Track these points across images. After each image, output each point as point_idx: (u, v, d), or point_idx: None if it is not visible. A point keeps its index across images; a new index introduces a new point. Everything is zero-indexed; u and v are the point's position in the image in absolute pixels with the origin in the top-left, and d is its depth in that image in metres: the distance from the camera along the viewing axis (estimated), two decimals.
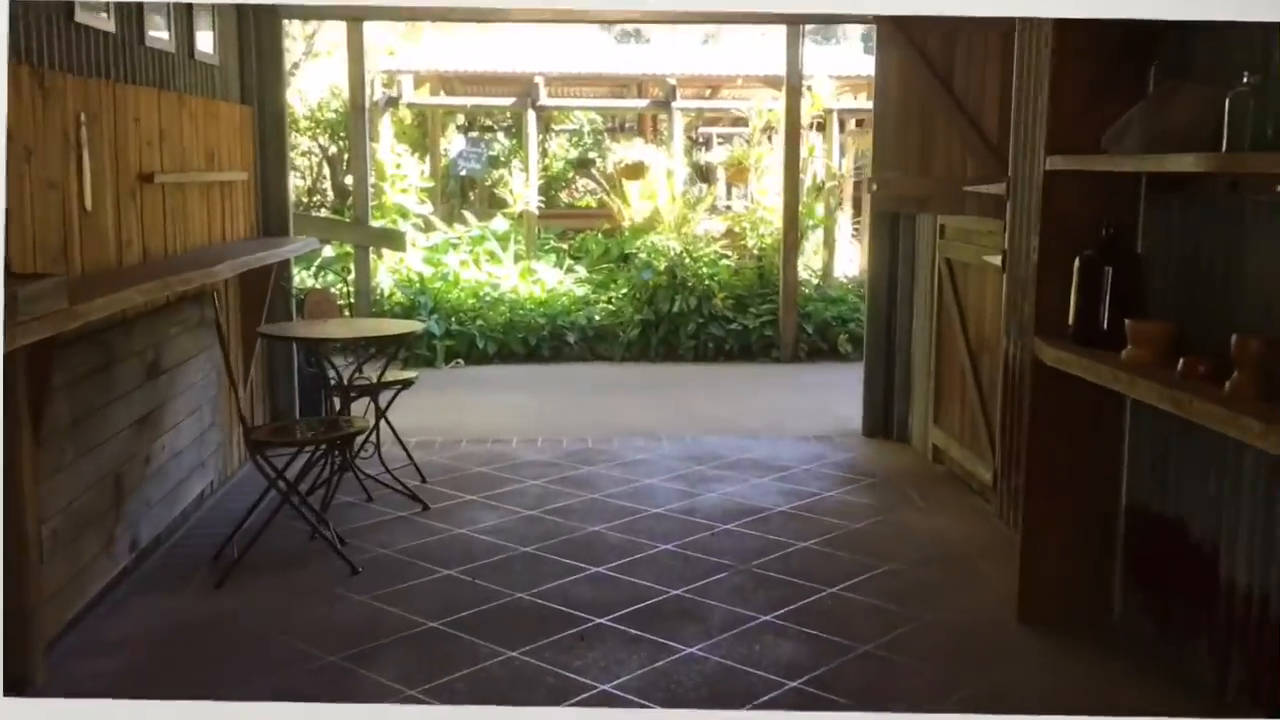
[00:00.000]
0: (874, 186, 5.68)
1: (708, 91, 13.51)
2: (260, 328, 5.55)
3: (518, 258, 10.73)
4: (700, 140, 15.50)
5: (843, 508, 5.30)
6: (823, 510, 5.25)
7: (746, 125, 12.90)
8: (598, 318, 9.91)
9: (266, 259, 5.36)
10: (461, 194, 16.26)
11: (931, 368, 5.98)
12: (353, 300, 9.45)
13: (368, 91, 9.99)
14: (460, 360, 9.31)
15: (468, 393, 8.19)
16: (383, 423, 5.61)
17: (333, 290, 8.90)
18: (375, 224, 10.08)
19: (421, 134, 15.34)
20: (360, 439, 5.27)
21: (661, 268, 9.79)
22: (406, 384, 5.71)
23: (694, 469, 5.97)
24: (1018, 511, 4.19)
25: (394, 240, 9.52)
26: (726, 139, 15.54)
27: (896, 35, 5.74)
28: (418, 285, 9.65)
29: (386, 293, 9.67)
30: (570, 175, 19.32)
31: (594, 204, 15.62)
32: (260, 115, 6.20)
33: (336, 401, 5.40)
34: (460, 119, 18.35)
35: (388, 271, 10.20)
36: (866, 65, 12.83)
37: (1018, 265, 4.51)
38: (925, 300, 6.10)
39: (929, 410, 6.01)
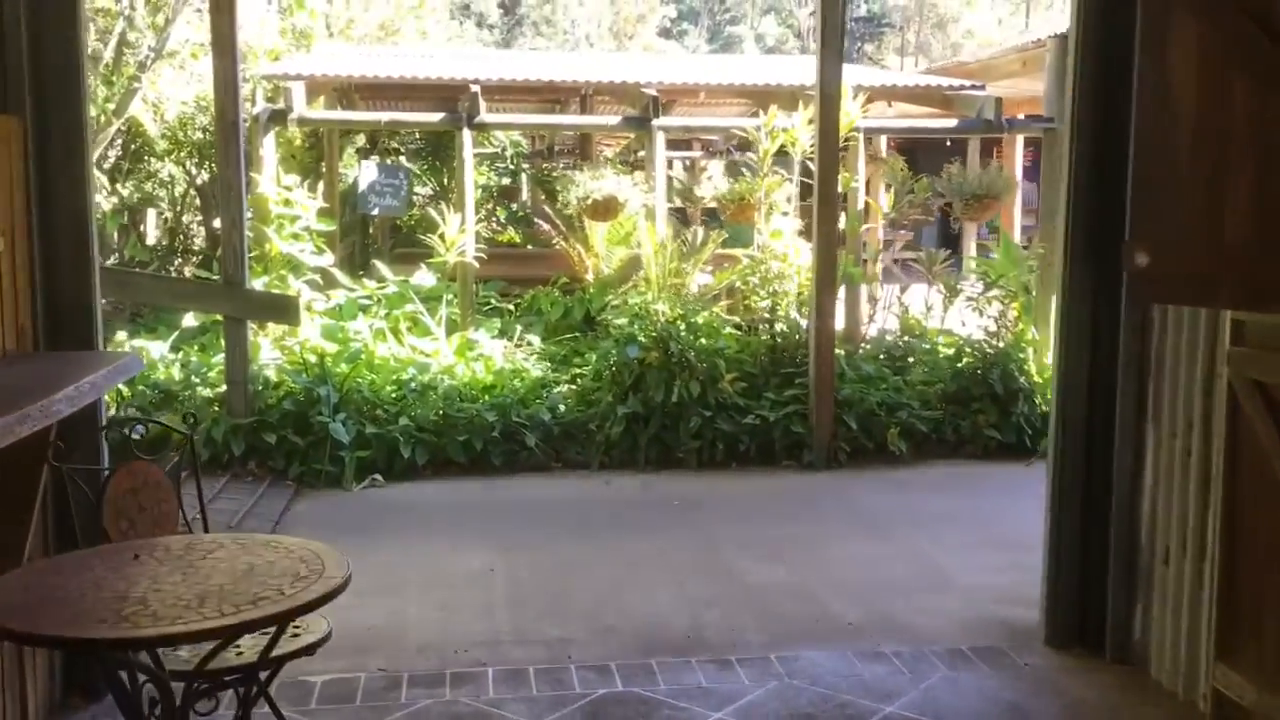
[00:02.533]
0: (1138, 260, 3.29)
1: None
2: None
3: (452, 325, 8.07)
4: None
5: None
6: None
7: (731, 152, 10.56)
8: (563, 407, 7.32)
9: (27, 420, 2.63)
10: (363, 234, 13.57)
11: (1213, 556, 3.55)
12: (220, 401, 6.71)
13: (243, 102, 7.28)
14: (378, 477, 6.63)
15: (394, 543, 5.52)
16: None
17: (158, 469, 6.15)
18: (255, 285, 7.33)
19: (315, 159, 12.55)
20: None
21: (649, 340, 7.25)
22: (307, 651, 3.03)
23: None
24: None
25: (281, 310, 6.80)
26: (691, 166, 13.18)
27: None
28: (316, 368, 6.93)
29: (272, 382, 6.92)
30: (489, 208, 16.71)
31: (531, 244, 13.04)
32: (36, 135, 3.49)
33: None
34: (360, 140, 15.61)
35: (273, 347, 7.45)
36: (874, 76, 10.54)
37: None
38: (1187, 438, 3.69)
39: (1206, 630, 3.58)
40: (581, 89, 10.72)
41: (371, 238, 15.55)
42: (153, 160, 10.03)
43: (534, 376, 7.60)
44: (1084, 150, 4.10)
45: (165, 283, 7.09)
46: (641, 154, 16.48)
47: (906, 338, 8.55)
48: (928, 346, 8.37)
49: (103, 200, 8.74)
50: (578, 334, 8.26)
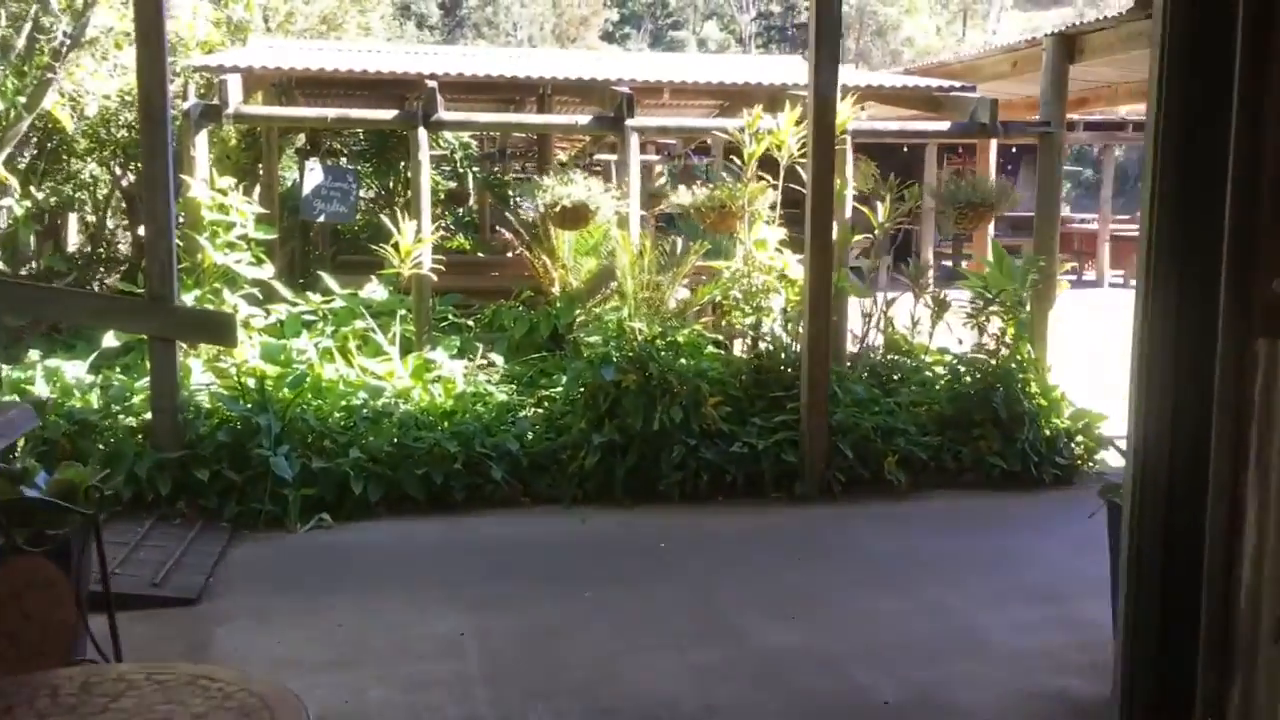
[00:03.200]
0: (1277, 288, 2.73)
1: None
2: None
3: (406, 344, 7.34)
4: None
5: None
6: None
7: (689, 156, 9.97)
8: (531, 434, 6.65)
9: None
10: (303, 242, 12.78)
11: None
12: (145, 426, 5.94)
13: (173, 97, 6.53)
14: (326, 517, 5.90)
15: (347, 601, 4.81)
16: None
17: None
18: (186, 300, 6.57)
19: (252, 160, 11.72)
20: None
21: (625, 360, 6.60)
22: None
23: None
24: None
25: (214, 329, 6.04)
26: (649, 170, 12.60)
27: None
28: (255, 394, 6.18)
29: (204, 409, 6.16)
30: (437, 211, 15.98)
31: (483, 253, 12.35)
32: None
33: None
34: (300, 140, 14.77)
35: (206, 369, 6.68)
36: (858, 77, 9.93)
37: None
38: None
39: None
40: (541, 87, 10.05)
41: (312, 244, 14.73)
42: (73, 160, 9.16)
43: (498, 400, 6.91)
44: (1171, 156, 3.52)
45: (80, 298, 6.28)
46: (598, 157, 15.86)
47: (893, 355, 8.00)
48: (917, 364, 7.84)
49: (14, 204, 7.88)
50: (545, 352, 7.57)
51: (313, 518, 5.88)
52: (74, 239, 11.54)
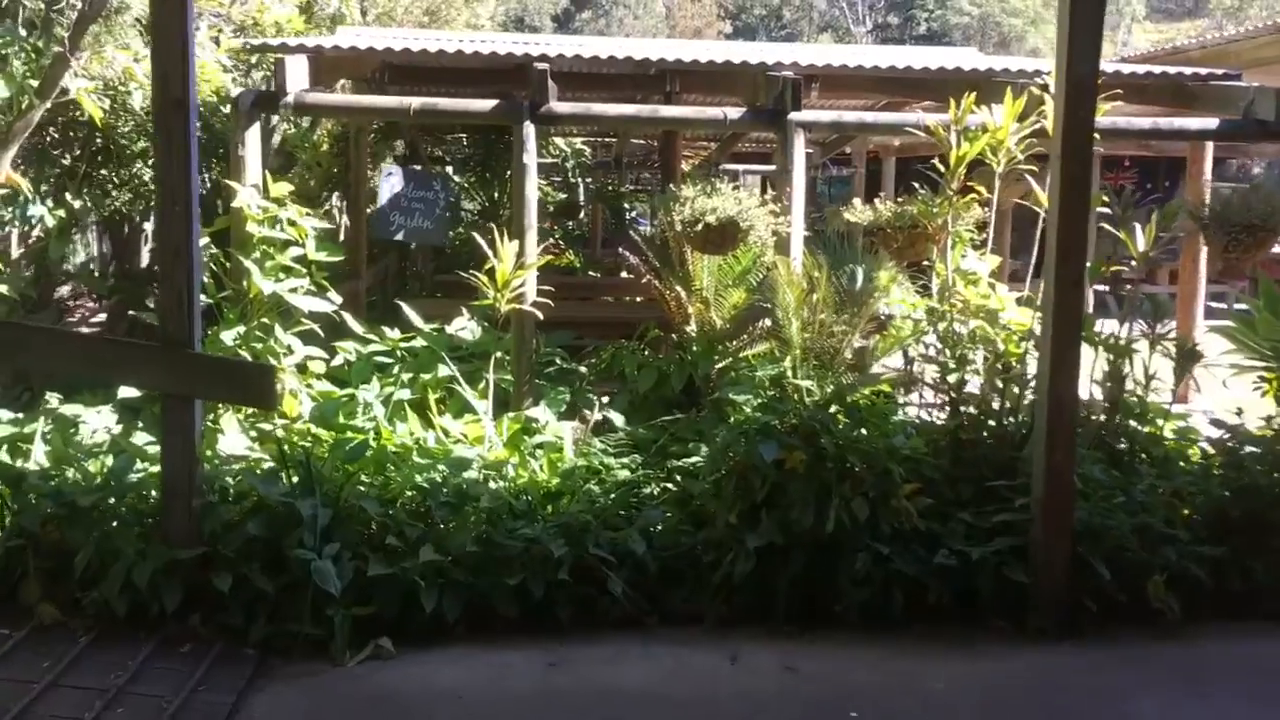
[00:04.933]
0: None
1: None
2: None
3: (503, 396, 5.74)
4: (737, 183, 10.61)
5: None
6: None
7: (828, 167, 8.24)
8: (659, 526, 4.98)
9: None
10: (400, 259, 11.40)
11: None
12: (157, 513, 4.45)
13: (234, 85, 5.05)
14: (385, 643, 4.33)
15: None
16: None
17: None
18: (226, 336, 5.08)
19: (344, 166, 10.34)
20: None
21: (790, 431, 4.89)
22: None
23: None
24: None
25: (245, 385, 4.50)
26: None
27: None
28: (301, 470, 4.63)
29: (231, 491, 4.63)
30: (546, 225, 14.49)
31: (595, 273, 10.78)
32: None
33: None
34: (400, 147, 13.44)
35: (244, 431, 5.18)
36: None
37: None
38: None
39: None
40: (669, 80, 8.41)
41: (409, 260, 13.36)
42: (132, 162, 7.82)
43: (618, 478, 5.26)
44: None
45: (68, 342, 4.80)
46: (726, 167, 14.18)
47: (1130, 422, 6.10)
48: (1156, 434, 5.95)
49: (46, 214, 6.56)
50: (677, 411, 5.88)
51: (368, 644, 4.32)
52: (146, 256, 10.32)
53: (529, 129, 5.95)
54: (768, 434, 4.93)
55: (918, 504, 4.95)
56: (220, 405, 5.16)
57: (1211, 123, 6.11)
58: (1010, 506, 4.89)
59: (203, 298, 4.71)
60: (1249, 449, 5.31)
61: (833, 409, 5.06)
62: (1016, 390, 5.48)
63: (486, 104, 6.34)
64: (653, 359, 6.27)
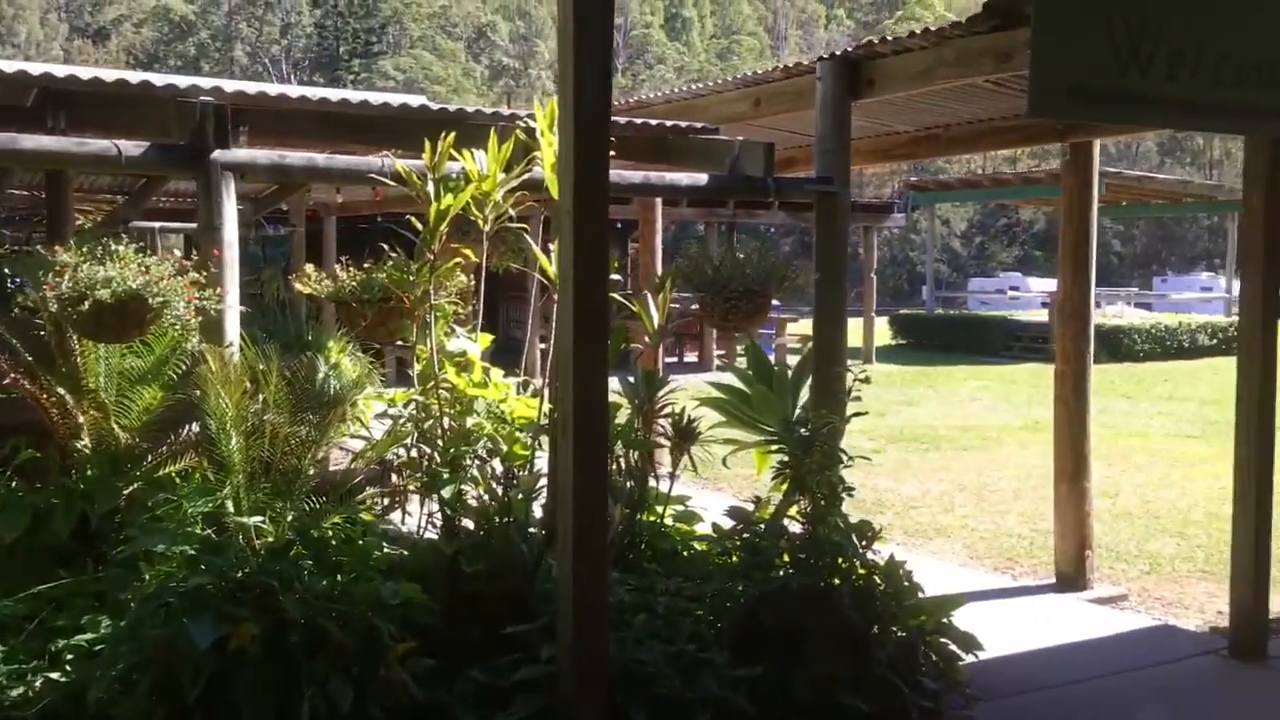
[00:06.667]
0: None
1: None
2: None
3: None
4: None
5: None
6: None
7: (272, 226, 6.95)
8: None
9: None
10: None
11: None
12: None
13: None
14: None
15: None
16: None
17: None
18: None
19: None
20: None
21: (231, 597, 3.42)
22: None
23: None
24: None
25: None
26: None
27: None
28: None
29: None
30: None
31: None
32: None
33: None
34: None
35: None
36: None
37: None
38: None
39: None
40: (70, 101, 6.39)
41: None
42: None
43: None
44: None
45: None
46: (137, 224, 11.92)
47: (627, 509, 5.38)
48: (656, 525, 5.30)
49: None
50: (62, 572, 4.05)
51: None
52: None
53: None
54: (200, 603, 3.44)
55: (415, 667, 3.75)
56: None
57: (701, 178, 5.64)
58: (534, 658, 3.84)
59: None
60: (766, 542, 4.74)
61: (294, 553, 3.69)
62: (519, 495, 4.49)
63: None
64: (27, 496, 4.34)
